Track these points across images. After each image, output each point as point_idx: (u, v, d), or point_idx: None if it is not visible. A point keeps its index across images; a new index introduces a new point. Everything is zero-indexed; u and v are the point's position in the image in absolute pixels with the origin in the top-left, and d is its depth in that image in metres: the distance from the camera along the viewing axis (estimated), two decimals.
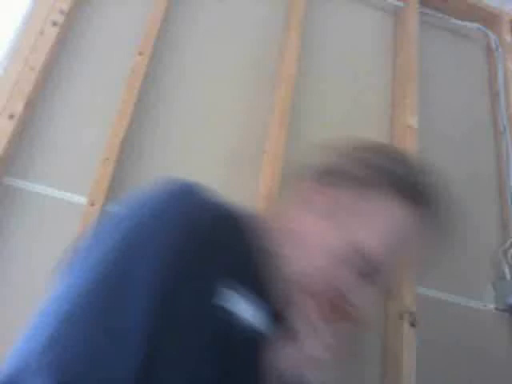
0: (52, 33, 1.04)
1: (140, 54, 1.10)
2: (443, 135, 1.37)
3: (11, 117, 0.94)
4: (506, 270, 1.21)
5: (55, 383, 0.36)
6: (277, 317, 0.55)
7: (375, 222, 0.54)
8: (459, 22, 1.54)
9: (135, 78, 1.07)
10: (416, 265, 0.58)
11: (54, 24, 1.05)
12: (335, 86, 1.31)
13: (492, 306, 1.18)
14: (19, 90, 0.97)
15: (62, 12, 1.07)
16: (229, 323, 0.46)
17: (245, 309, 0.47)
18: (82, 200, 0.97)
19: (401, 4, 1.46)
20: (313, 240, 0.55)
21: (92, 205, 0.93)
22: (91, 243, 0.49)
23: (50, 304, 0.43)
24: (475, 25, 1.55)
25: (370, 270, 0.53)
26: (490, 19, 1.55)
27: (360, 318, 0.54)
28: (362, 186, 0.55)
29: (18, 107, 0.95)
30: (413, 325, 1.02)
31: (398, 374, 0.98)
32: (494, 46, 1.53)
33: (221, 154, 1.13)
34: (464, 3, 1.51)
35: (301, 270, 0.53)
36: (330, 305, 0.53)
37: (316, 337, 0.52)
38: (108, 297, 0.42)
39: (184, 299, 0.44)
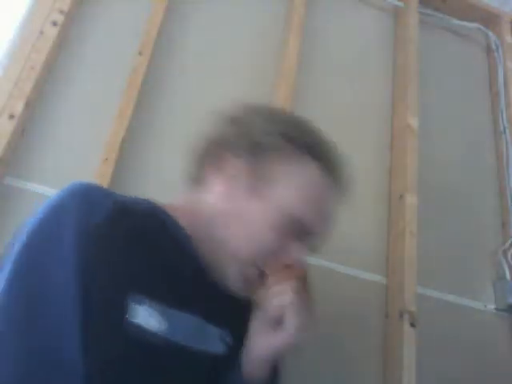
0: (52, 33, 1.04)
1: (140, 53, 1.10)
2: (443, 135, 1.37)
3: (11, 117, 0.94)
4: (506, 270, 1.21)
5: None
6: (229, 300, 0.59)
7: (297, 186, 0.59)
8: (459, 22, 1.54)
9: (135, 77, 1.07)
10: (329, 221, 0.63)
11: (54, 24, 1.05)
12: (335, 85, 1.31)
13: (492, 306, 1.18)
14: (19, 90, 0.97)
15: (61, 12, 1.07)
16: (138, 338, 0.49)
17: (151, 321, 0.50)
18: None
19: (401, 4, 1.46)
20: (246, 216, 0.58)
21: None
22: (6, 252, 0.51)
23: None
24: (475, 25, 1.55)
25: (303, 230, 0.58)
26: (490, 19, 1.55)
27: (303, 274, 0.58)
28: (276, 155, 0.59)
29: (18, 107, 0.95)
30: (413, 325, 1.02)
31: (398, 374, 0.98)
32: (493, 46, 1.53)
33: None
34: (464, 3, 1.51)
35: (244, 247, 0.56)
36: (279, 268, 0.56)
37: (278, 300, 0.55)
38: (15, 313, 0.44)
39: (95, 309, 0.47)
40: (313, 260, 1.07)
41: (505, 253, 1.23)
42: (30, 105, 0.99)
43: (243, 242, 0.57)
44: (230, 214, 0.58)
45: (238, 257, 0.56)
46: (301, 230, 0.58)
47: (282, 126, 0.61)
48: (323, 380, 0.99)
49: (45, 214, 0.51)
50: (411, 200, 1.15)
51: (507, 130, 1.38)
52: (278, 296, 0.54)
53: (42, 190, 0.97)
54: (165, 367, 0.51)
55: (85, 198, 0.52)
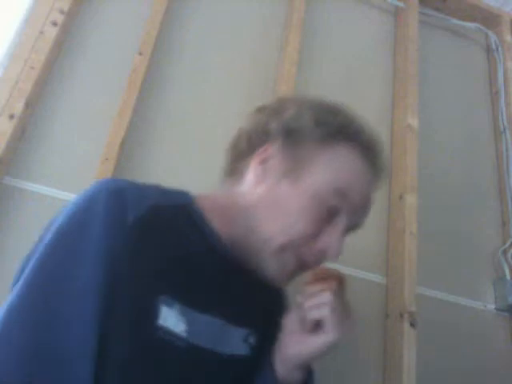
0: (52, 33, 1.04)
1: (140, 54, 1.10)
2: (443, 135, 1.37)
3: (11, 117, 0.94)
4: (506, 270, 1.21)
5: None
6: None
7: (336, 166, 0.58)
8: (459, 22, 1.53)
9: (135, 77, 1.07)
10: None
11: (54, 24, 1.05)
12: (335, 85, 1.31)
13: (492, 306, 1.18)
14: (19, 90, 0.97)
15: (62, 12, 1.07)
16: (166, 341, 0.49)
17: (176, 323, 0.50)
18: None
19: (401, 4, 1.46)
20: (283, 202, 0.56)
21: None
22: (33, 251, 0.51)
23: None
24: (475, 25, 1.55)
25: (345, 206, 0.56)
26: (490, 19, 1.55)
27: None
28: (310, 139, 0.58)
29: (18, 107, 0.95)
30: (413, 325, 1.02)
31: (398, 374, 0.98)
32: (493, 46, 1.53)
33: (221, 154, 1.13)
34: (464, 3, 1.51)
35: (280, 233, 0.55)
36: (317, 253, 0.56)
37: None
38: (38, 308, 0.44)
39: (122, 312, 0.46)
40: None
41: (505, 253, 1.23)
42: (29, 105, 0.99)
43: (279, 227, 0.55)
44: (265, 200, 0.57)
45: (274, 244, 0.55)
46: (341, 209, 0.56)
47: (314, 111, 0.60)
48: (323, 380, 0.99)
49: (74, 210, 0.50)
50: (411, 200, 1.15)
51: (507, 130, 1.38)
52: (318, 298, 0.54)
53: (42, 190, 0.97)
54: (188, 371, 0.52)
55: (117, 196, 0.50)
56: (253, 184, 0.59)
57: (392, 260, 1.13)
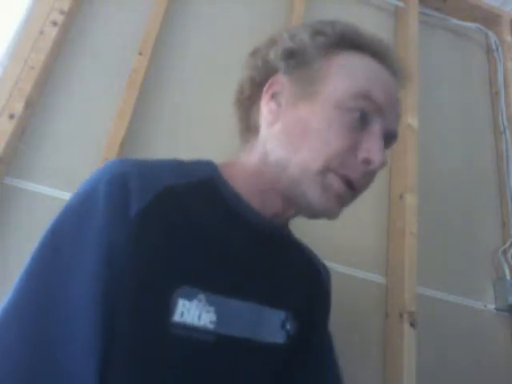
0: (52, 33, 1.04)
1: (140, 53, 1.10)
2: (443, 135, 1.37)
3: (11, 117, 0.94)
4: (506, 270, 1.21)
5: None
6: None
7: (350, 71, 0.53)
8: (459, 22, 1.53)
9: (135, 77, 1.07)
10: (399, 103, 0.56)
11: (54, 24, 1.05)
12: None
13: (492, 306, 1.18)
14: (19, 90, 0.97)
15: (62, 12, 1.07)
16: (185, 339, 0.44)
17: (199, 315, 0.45)
18: None
19: (401, 4, 1.46)
20: (304, 125, 0.51)
21: None
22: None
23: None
24: (475, 25, 1.55)
25: (372, 109, 0.51)
26: (490, 19, 1.55)
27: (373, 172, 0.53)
28: (315, 54, 0.54)
29: (18, 107, 0.95)
30: (413, 325, 1.02)
31: (398, 374, 0.98)
32: (493, 46, 1.53)
33: (222, 154, 1.13)
34: (464, 3, 1.51)
35: (313, 158, 0.50)
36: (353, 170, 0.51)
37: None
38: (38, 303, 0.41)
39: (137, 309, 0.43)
40: None
41: (505, 253, 1.23)
42: (29, 105, 0.99)
43: (313, 150, 0.50)
44: (288, 131, 0.52)
45: (313, 169, 0.49)
46: (370, 112, 0.51)
47: (309, 27, 0.56)
48: None
49: (74, 201, 0.47)
50: (411, 200, 1.15)
51: (507, 130, 1.38)
52: None
53: (42, 190, 0.97)
54: (217, 365, 0.47)
55: (119, 185, 0.46)
56: (270, 123, 0.54)
57: (392, 260, 1.13)
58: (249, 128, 0.59)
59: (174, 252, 0.46)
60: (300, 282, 0.59)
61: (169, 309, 0.44)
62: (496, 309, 1.18)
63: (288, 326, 0.55)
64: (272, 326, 0.53)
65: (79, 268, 0.42)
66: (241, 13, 1.31)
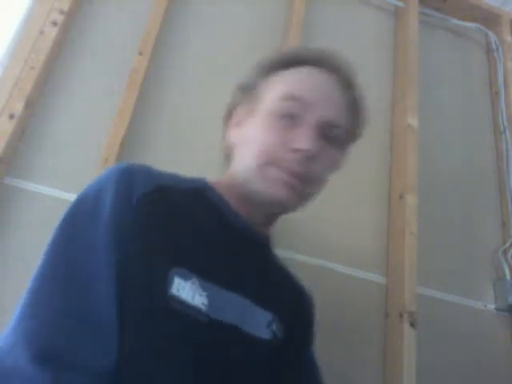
0: (52, 33, 1.04)
1: (140, 53, 1.10)
2: (443, 135, 1.37)
3: (11, 117, 0.94)
4: (506, 270, 1.21)
5: (29, 354, 0.39)
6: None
7: (286, 80, 0.62)
8: (459, 22, 1.54)
9: (135, 77, 1.07)
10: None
11: (54, 24, 1.05)
12: None
13: (492, 306, 1.18)
14: (19, 90, 0.97)
15: (62, 12, 1.07)
16: (180, 311, 0.48)
17: (193, 296, 0.50)
18: None
19: (401, 4, 1.46)
20: (248, 136, 0.62)
21: None
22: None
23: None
24: (475, 25, 1.55)
25: (302, 108, 0.59)
26: (490, 19, 1.55)
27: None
28: (259, 82, 0.65)
29: (18, 107, 0.95)
30: (413, 325, 1.02)
31: (398, 374, 0.98)
32: (494, 46, 1.53)
33: (222, 153, 1.13)
34: (464, 3, 1.51)
35: (253, 156, 0.59)
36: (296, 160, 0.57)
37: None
38: (66, 269, 0.47)
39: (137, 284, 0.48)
40: (313, 260, 1.07)
41: (505, 253, 1.23)
42: (29, 105, 0.99)
43: (251, 153, 0.59)
44: (238, 146, 0.64)
45: (252, 166, 0.58)
46: (300, 110, 0.59)
47: (262, 62, 0.66)
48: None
49: (87, 190, 0.53)
50: (411, 200, 1.15)
51: (507, 130, 1.38)
52: None
53: (42, 190, 0.97)
54: (207, 344, 0.50)
55: (127, 175, 0.53)
56: (232, 143, 0.66)
57: (392, 260, 1.13)
58: (228, 152, 0.69)
59: (171, 236, 0.52)
60: (287, 295, 0.65)
61: (166, 282, 0.49)
62: (496, 309, 1.18)
63: (274, 327, 0.59)
64: (259, 322, 0.58)
65: (96, 243, 0.48)
66: (241, 13, 1.31)
